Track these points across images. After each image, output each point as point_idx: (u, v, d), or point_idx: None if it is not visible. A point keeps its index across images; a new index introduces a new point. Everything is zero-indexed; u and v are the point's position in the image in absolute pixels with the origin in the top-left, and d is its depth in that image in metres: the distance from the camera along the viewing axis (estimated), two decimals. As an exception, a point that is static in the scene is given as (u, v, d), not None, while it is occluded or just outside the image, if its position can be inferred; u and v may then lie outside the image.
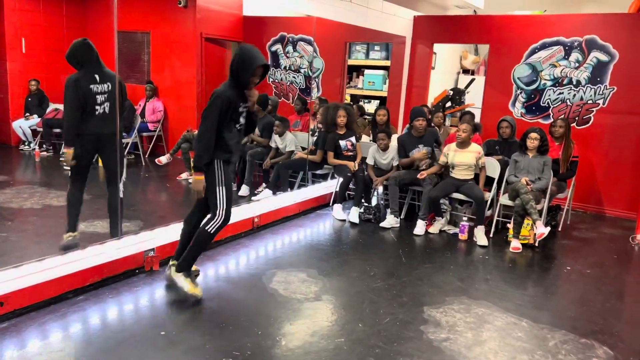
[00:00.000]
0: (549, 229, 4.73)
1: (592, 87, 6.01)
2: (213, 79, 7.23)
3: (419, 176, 5.14)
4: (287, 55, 8.11)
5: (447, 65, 8.57)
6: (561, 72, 6.16)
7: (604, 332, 3.20)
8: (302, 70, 8.01)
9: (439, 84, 7.96)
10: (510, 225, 4.89)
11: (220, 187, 3.25)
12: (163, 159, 6.47)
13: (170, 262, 3.44)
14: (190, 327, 2.97)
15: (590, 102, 6.05)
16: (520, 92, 6.46)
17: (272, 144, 6.00)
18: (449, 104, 7.88)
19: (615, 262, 4.61)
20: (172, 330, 2.91)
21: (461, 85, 8.25)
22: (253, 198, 5.51)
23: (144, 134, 7.36)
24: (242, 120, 3.31)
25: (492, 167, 5.20)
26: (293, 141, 5.91)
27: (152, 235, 3.81)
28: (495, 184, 5.17)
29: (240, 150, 3.61)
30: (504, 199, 5.03)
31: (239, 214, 4.60)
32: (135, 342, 2.75)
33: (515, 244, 4.72)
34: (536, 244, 4.78)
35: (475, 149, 5.05)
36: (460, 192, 5.04)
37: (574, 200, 5.87)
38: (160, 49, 7.51)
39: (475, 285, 3.87)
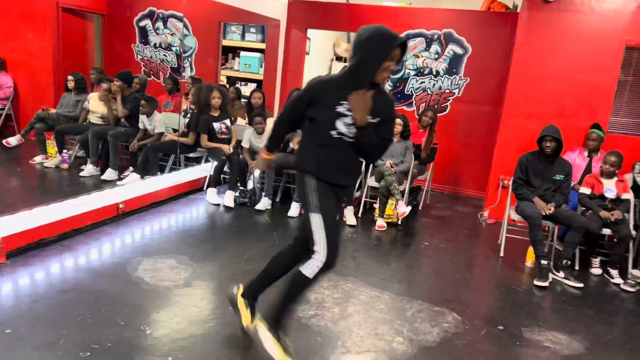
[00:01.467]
0: (410, 208, 5.11)
1: (449, 77, 6.55)
2: (72, 54, 6.61)
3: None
4: (157, 32, 7.69)
5: (321, 51, 8.75)
6: (423, 62, 6.62)
7: (454, 300, 3.54)
8: (173, 49, 7.65)
9: (313, 70, 8.11)
10: (376, 206, 5.18)
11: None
12: (12, 140, 5.80)
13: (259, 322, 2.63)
14: (42, 322, 2.72)
15: (447, 91, 6.59)
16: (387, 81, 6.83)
17: (140, 125, 5.67)
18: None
19: (466, 237, 5.12)
20: (20, 327, 2.64)
21: (334, 73, 8.48)
22: (118, 183, 5.18)
23: (-10, 112, 6.52)
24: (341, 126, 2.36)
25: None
26: (162, 122, 5.64)
27: (-3, 225, 3.42)
28: (363, 167, 5.43)
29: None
30: (371, 181, 5.31)
31: (102, 199, 4.30)
32: (-26, 344, 2.46)
33: (380, 223, 5.03)
34: (399, 222, 5.13)
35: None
36: (332, 175, 5.21)
37: (432, 182, 6.40)
38: (9, 18, 6.66)
39: (344, 262, 4.05)
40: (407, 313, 3.27)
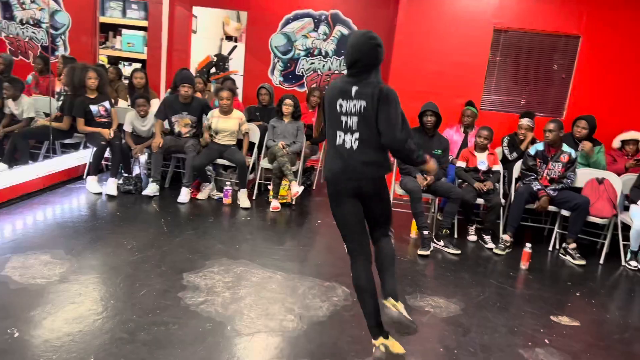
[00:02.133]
0: (303, 187, 5.16)
1: (337, 58, 6.66)
2: None
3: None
4: (23, 6, 6.96)
5: (210, 30, 8.45)
6: (312, 43, 6.66)
7: (343, 275, 3.64)
8: (43, 25, 6.98)
9: (202, 50, 7.82)
10: (270, 187, 5.17)
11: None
12: None
13: (385, 302, 2.46)
14: None
15: (337, 72, 6.70)
16: (278, 61, 6.79)
17: (6, 110, 5.12)
18: (213, 70, 7.83)
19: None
20: None
21: (225, 52, 8.27)
22: (-18, 174, 4.66)
23: None
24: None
25: (253, 132, 5.39)
26: (32, 106, 5.14)
27: None
28: (256, 149, 5.39)
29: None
30: (264, 163, 5.28)
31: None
32: None
33: (274, 204, 5.03)
34: (293, 203, 5.17)
35: (237, 115, 5.15)
36: (224, 158, 5.11)
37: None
38: None
39: (236, 245, 4.01)
40: (298, 291, 3.32)
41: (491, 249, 4.49)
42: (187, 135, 5.15)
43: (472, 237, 4.69)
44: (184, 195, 4.94)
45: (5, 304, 2.77)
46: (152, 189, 4.96)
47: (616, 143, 5.08)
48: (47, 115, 5.34)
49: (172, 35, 6.82)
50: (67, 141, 5.35)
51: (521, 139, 4.99)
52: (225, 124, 5.08)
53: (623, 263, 4.43)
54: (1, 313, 2.67)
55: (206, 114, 5.18)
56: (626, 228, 4.44)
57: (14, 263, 3.26)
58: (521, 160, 4.78)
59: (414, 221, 4.51)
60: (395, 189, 4.82)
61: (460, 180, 4.75)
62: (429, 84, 5.62)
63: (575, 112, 5.30)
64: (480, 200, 4.60)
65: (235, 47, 7.95)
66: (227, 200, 5.03)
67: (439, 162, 4.57)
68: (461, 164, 4.73)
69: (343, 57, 6.58)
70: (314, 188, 5.98)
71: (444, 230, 4.41)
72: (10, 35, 7.04)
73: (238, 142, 5.21)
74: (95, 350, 2.46)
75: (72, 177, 5.18)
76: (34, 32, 7.03)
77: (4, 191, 4.29)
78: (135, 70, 5.78)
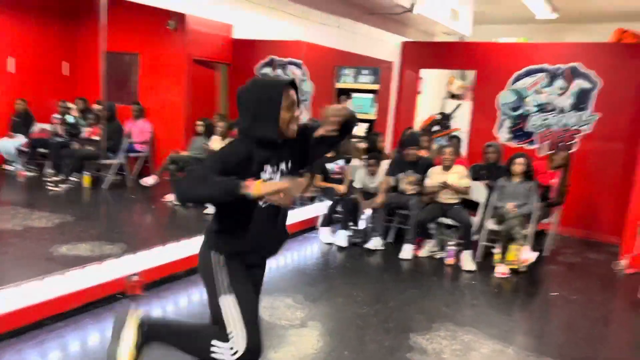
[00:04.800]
0: (536, 254, 4.75)
1: (575, 113, 6.11)
2: (200, 101, 7.23)
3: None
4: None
5: (434, 89, 8.67)
6: (546, 98, 6.26)
7: (589, 358, 3.18)
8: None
9: (426, 108, 8.05)
10: (496, 250, 4.89)
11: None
12: (149, 180, 6.42)
13: None
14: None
15: (574, 128, 6.14)
16: (506, 118, 6.55)
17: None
18: (436, 127, 7.96)
19: (600, 288, 4.62)
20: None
21: (448, 111, 8.34)
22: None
23: (132, 154, 7.31)
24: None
25: (479, 191, 5.23)
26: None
27: (135, 259, 3.75)
28: (481, 209, 5.19)
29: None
30: (491, 224, 5.04)
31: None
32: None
33: (501, 269, 4.72)
34: (523, 269, 4.78)
35: (459, 170, 5.08)
36: (448, 217, 5.05)
37: (559, 225, 5.90)
38: (149, 70, 7.52)
39: (462, 310, 3.85)
40: (535, 371, 3.00)
41: None
42: (412, 192, 5.26)
43: None
44: (407, 250, 4.99)
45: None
46: (375, 243, 5.15)
47: None
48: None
49: (400, 97, 7.18)
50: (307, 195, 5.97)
51: None
52: (445, 178, 5.03)
53: None
54: (254, 348, 3.02)
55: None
56: None
57: (264, 303, 3.69)
58: None
59: None
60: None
61: None
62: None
63: None
64: None
65: (459, 105, 7.97)
66: (450, 261, 4.91)
67: None
68: None
69: (578, 110, 6.02)
70: (547, 254, 5.45)
71: None
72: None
73: (463, 201, 5.11)
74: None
75: (308, 227, 5.72)
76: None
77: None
78: (375, 134, 6.16)
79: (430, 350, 3.16)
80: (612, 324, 3.95)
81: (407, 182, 5.27)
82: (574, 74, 6.07)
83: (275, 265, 4.60)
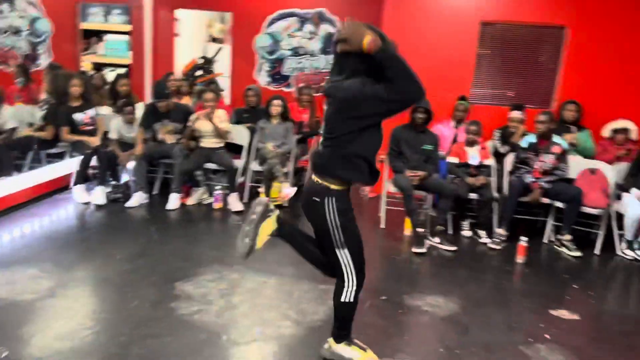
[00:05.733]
0: (295, 189, 5.10)
1: (325, 56, 6.59)
2: None
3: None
4: (1, 14, 6.83)
5: (194, 32, 8.35)
6: (298, 42, 6.59)
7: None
8: (23, 34, 6.85)
9: (187, 53, 7.72)
10: (261, 190, 5.10)
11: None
12: None
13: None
14: None
15: (325, 70, 6.63)
16: (264, 62, 6.71)
17: (-13, 122, 5.00)
18: (199, 72, 7.74)
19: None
20: None
21: (210, 55, 8.17)
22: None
23: None
24: None
25: (242, 134, 5.32)
26: (14, 116, 5.02)
27: None
28: (245, 151, 5.31)
29: None
30: (254, 165, 5.21)
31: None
32: None
33: (266, 207, 4.95)
34: (285, 205, 5.11)
35: (218, 115, 5.05)
36: (212, 162, 5.03)
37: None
38: None
39: (230, 251, 3.93)
40: (293, 295, 3.26)
41: (486, 244, 4.46)
42: (172, 141, 5.06)
43: (467, 233, 4.66)
44: (173, 201, 4.85)
45: (-7, 323, 2.68)
46: (137, 198, 4.85)
47: (606, 132, 5.07)
48: (30, 125, 5.23)
49: (156, 40, 6.71)
50: (52, 151, 5.25)
51: (512, 131, 4.96)
52: (208, 125, 4.98)
53: (618, 252, 4.42)
54: (-12, 332, 2.59)
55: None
56: (620, 217, 4.43)
57: None
58: (513, 153, 4.75)
59: (407, 219, 4.46)
60: (387, 186, 4.77)
61: (452, 176, 4.71)
62: (417, 79, 5.57)
63: (565, 103, 5.29)
64: (473, 195, 4.56)
65: (220, 49, 7.86)
66: (218, 205, 4.95)
67: (430, 158, 4.54)
68: (453, 159, 4.70)
69: (326, 54, 6.52)
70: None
71: (438, 227, 4.37)
72: (-10, 45, 6.90)
73: (227, 145, 5.13)
74: (87, 367, 2.39)
75: (59, 187, 5.07)
76: (14, 41, 6.90)
77: (-12, 205, 4.19)
78: (119, 76, 5.68)
79: (197, 294, 3.16)
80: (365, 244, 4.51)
81: (165, 132, 5.04)
82: (320, 18, 6.49)
83: (18, 234, 3.98)
